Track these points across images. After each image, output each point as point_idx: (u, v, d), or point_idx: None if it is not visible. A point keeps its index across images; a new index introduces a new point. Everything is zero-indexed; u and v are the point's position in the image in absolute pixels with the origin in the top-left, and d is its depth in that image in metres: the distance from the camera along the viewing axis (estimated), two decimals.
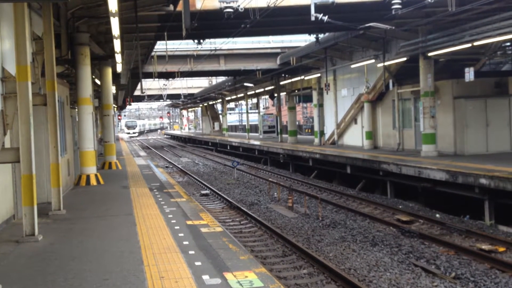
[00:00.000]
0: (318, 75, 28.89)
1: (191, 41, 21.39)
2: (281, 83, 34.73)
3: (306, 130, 51.87)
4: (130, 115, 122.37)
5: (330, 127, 28.95)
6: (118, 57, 17.04)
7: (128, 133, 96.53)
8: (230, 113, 72.74)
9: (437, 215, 14.26)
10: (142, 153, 35.86)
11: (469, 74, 16.91)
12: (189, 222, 9.54)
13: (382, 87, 22.29)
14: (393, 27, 18.14)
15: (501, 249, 10.69)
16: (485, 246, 10.76)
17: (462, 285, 8.59)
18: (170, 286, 5.85)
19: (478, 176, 13.35)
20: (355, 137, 26.34)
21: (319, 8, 14.58)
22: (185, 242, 7.92)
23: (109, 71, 21.99)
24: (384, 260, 10.13)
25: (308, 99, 40.81)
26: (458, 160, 16.90)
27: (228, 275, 6.17)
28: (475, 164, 15.40)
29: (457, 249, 10.74)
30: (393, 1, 14.32)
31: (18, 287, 6.00)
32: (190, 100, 64.45)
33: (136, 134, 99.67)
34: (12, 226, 9.66)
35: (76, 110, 16.90)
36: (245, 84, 40.32)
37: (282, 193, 18.56)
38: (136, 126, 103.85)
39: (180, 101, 68.88)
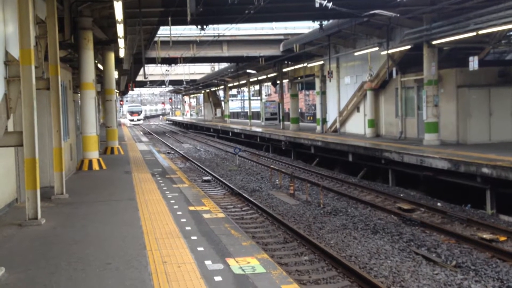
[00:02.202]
0: (321, 62, 28.79)
1: (194, 26, 21.30)
2: (284, 70, 34.62)
3: (308, 118, 51.77)
4: (132, 100, 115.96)
5: (332, 115, 28.90)
6: (121, 42, 16.98)
7: (132, 120, 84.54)
8: (232, 100, 72.66)
9: (439, 204, 14.28)
10: (144, 138, 35.88)
11: (473, 63, 16.84)
12: (191, 208, 9.57)
13: (385, 75, 22.22)
14: (398, 15, 18.05)
15: (502, 238, 10.72)
16: (486, 235, 10.79)
17: (462, 274, 8.63)
18: (173, 271, 5.88)
19: (480, 166, 13.34)
20: (357, 125, 26.29)
21: None
22: (188, 228, 7.95)
23: (111, 56, 21.94)
24: (385, 248, 10.16)
25: (310, 86, 40.69)
26: (461, 149, 16.89)
27: (231, 261, 6.20)
28: (477, 153, 15.38)
29: (458, 238, 10.77)
30: None
31: (21, 270, 6.04)
32: (192, 86, 64.30)
33: (141, 121, 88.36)
34: (15, 209, 9.70)
35: (79, 94, 16.88)
36: (248, 70, 40.21)
37: (284, 180, 18.58)
38: (141, 111, 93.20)
39: (182, 87, 68.76)
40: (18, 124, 9.76)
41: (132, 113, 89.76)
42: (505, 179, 12.58)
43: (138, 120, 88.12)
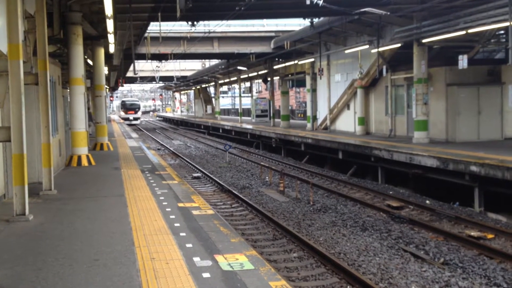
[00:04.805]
0: (312, 59, 28.80)
1: (184, 23, 21.21)
2: (275, 67, 34.62)
3: (299, 115, 51.85)
4: (122, 96, 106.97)
5: (322, 112, 28.95)
6: (111, 38, 16.90)
7: (127, 119, 64.88)
8: (223, 97, 72.55)
9: (427, 201, 14.35)
10: (134, 135, 35.74)
11: (463, 61, 16.91)
12: (180, 205, 9.55)
13: (375, 73, 22.28)
14: (388, 13, 18.10)
15: (490, 236, 10.80)
16: (474, 233, 10.86)
17: (450, 271, 8.68)
18: (161, 267, 5.87)
19: (468, 164, 13.42)
20: (347, 122, 26.36)
21: None
22: (176, 224, 7.93)
23: (101, 51, 21.81)
24: (374, 245, 10.20)
25: (301, 83, 40.75)
26: (450, 147, 16.97)
27: (219, 258, 6.20)
28: (466, 151, 15.47)
29: (446, 235, 10.83)
30: None
31: (8, 266, 6.00)
32: (183, 83, 64.15)
33: (139, 121, 67.59)
34: (3, 205, 9.63)
35: (68, 90, 16.78)
36: (239, 67, 40.17)
37: (274, 177, 18.59)
38: (139, 108, 70.24)
39: (173, 84, 68.50)
40: (6, 119, 9.69)
41: (127, 109, 68.25)
42: (493, 177, 12.66)
43: (135, 119, 66.55)
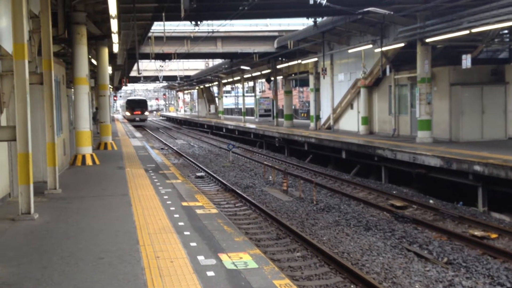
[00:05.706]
0: (315, 59, 28.81)
1: (188, 22, 21.26)
2: (278, 66, 34.64)
3: (302, 115, 51.85)
4: (126, 95, 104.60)
5: (326, 112, 28.95)
6: (115, 37, 16.94)
7: (133, 120, 60.15)
8: (226, 96, 72.61)
9: (431, 201, 14.35)
10: (138, 134, 35.79)
11: (466, 61, 16.92)
12: (184, 204, 9.58)
13: (379, 73, 22.28)
14: (392, 12, 18.11)
15: (493, 235, 10.80)
16: (478, 232, 10.86)
17: (454, 270, 8.69)
18: (165, 265, 5.90)
19: (472, 163, 13.42)
20: (351, 122, 26.36)
21: None
22: (181, 223, 7.97)
23: (105, 51, 21.87)
24: (377, 244, 10.21)
25: (304, 83, 40.77)
26: (453, 146, 16.97)
27: (223, 256, 6.23)
28: (469, 151, 15.47)
29: (449, 235, 10.84)
30: None
31: (14, 265, 6.04)
32: (186, 82, 64.21)
33: (146, 121, 63.38)
34: (8, 204, 9.68)
35: (72, 90, 16.84)
36: (242, 67, 40.20)
37: (277, 177, 18.62)
38: (147, 107, 65.11)
39: (176, 83, 68.55)
40: (11, 118, 9.74)
41: (132, 109, 62.43)
42: (497, 176, 12.66)
43: (142, 120, 61.40)
